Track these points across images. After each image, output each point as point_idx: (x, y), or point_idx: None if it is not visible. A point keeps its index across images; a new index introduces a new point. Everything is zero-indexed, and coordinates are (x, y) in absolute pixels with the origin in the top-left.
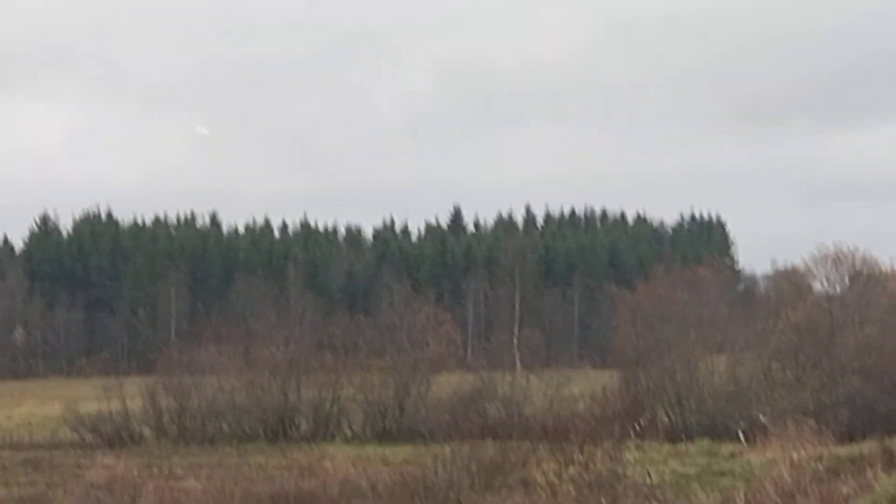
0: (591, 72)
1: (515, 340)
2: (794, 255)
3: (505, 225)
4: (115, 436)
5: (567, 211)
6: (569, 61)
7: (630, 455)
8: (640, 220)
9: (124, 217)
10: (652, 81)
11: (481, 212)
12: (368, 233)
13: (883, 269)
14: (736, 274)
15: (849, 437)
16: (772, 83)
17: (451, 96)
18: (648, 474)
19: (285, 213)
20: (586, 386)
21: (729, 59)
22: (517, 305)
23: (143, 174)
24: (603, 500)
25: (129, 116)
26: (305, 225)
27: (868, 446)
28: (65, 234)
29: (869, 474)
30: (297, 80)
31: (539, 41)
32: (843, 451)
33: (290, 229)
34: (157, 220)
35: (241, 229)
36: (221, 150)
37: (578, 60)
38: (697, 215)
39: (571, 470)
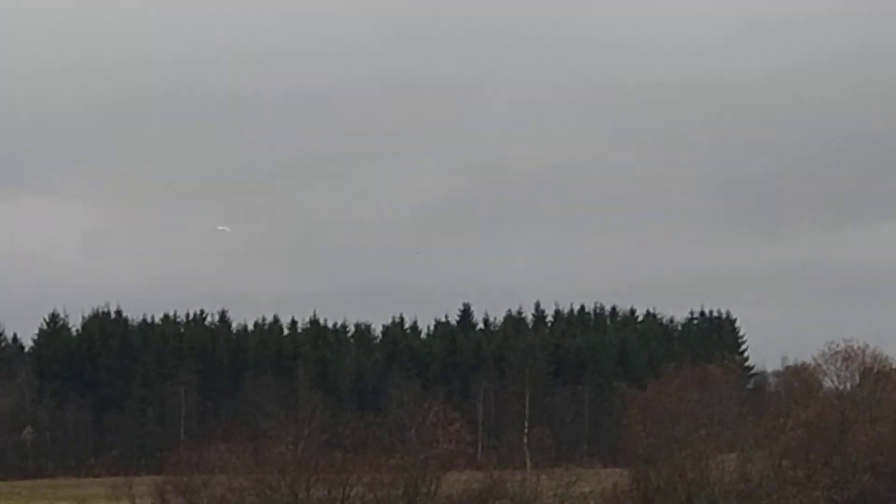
0: (599, 170)
1: (525, 439)
2: (805, 352)
3: (514, 322)
4: None
5: (577, 308)
6: (577, 158)
7: None
8: (650, 318)
9: (133, 315)
10: (662, 178)
11: (491, 309)
12: (378, 331)
13: (893, 366)
14: (746, 371)
15: None
16: (781, 180)
17: (459, 193)
18: None
19: (294, 311)
20: (596, 484)
21: (738, 156)
22: (527, 403)
23: (152, 272)
24: None
25: (138, 215)
26: (315, 323)
27: None
28: (74, 332)
29: None
30: (306, 178)
31: (547, 138)
32: None
33: (300, 327)
34: (166, 318)
35: (251, 327)
36: (231, 248)
37: (587, 158)
38: (707, 312)
39: None
